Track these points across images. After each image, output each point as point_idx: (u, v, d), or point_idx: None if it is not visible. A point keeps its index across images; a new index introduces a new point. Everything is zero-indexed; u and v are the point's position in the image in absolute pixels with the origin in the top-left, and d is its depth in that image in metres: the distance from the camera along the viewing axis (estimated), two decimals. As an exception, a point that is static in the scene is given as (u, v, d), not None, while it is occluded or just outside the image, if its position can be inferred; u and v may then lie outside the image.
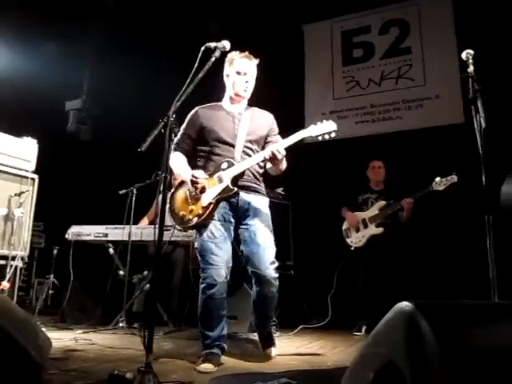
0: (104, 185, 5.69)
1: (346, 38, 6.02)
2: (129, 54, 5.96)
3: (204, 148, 2.82)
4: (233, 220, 2.78)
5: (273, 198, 5.18)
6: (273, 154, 2.59)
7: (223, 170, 2.71)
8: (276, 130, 2.97)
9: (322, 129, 2.67)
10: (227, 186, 2.66)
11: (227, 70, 2.87)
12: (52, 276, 5.54)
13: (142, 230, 4.31)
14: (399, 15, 5.70)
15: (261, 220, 2.78)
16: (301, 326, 4.36)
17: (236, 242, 2.88)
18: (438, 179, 4.03)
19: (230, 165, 2.70)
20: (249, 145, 2.80)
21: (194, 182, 2.65)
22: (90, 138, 6.43)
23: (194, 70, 2.16)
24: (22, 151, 4.25)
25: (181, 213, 2.74)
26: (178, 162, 2.77)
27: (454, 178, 4.01)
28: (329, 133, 2.66)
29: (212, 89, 2.91)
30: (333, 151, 5.52)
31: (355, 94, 5.84)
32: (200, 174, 2.69)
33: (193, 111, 2.89)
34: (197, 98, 2.35)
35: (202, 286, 2.70)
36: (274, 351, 2.91)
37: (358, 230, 4.42)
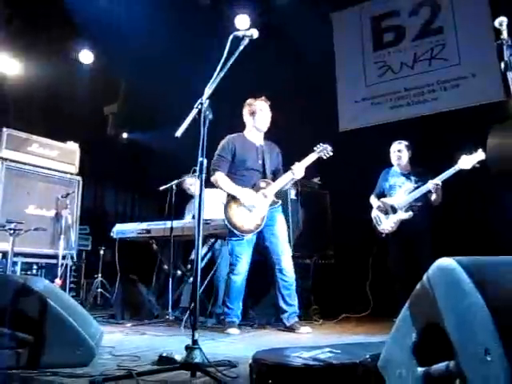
0: (144, 184, 5.85)
1: (375, 23, 5.95)
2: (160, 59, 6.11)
3: (236, 171, 3.61)
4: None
5: (310, 187, 5.21)
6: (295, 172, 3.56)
7: (263, 188, 3.56)
8: (281, 159, 3.86)
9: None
10: (273, 200, 3.55)
11: (250, 109, 3.71)
12: (100, 275, 5.76)
13: (184, 225, 4.40)
14: (429, -5, 5.58)
15: (278, 222, 3.63)
16: (343, 315, 4.36)
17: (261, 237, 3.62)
18: (463, 157, 3.77)
19: (268, 184, 3.57)
20: (271, 171, 3.69)
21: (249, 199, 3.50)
22: (128, 140, 6.62)
23: (223, 57, 2.20)
24: (66, 155, 4.44)
25: (240, 224, 3.48)
26: (227, 182, 3.56)
27: (480, 155, 3.73)
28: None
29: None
30: (369, 138, 5.47)
31: (388, 78, 5.76)
32: (252, 192, 3.53)
33: (226, 139, 3.70)
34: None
35: (230, 273, 3.59)
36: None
37: (387, 216, 4.29)
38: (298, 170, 3.55)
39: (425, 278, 1.20)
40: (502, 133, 3.68)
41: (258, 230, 3.50)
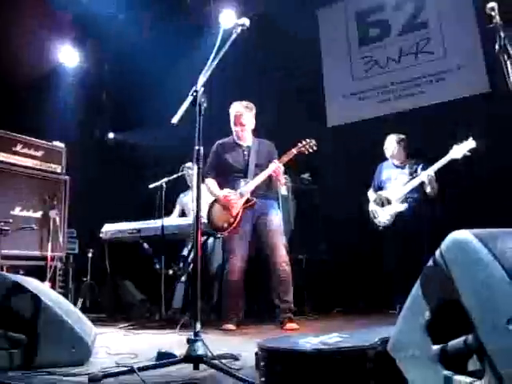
0: (134, 183, 5.77)
1: (360, 18, 5.97)
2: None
3: (225, 174, 3.72)
4: (252, 220, 3.62)
5: (300, 183, 5.20)
6: (274, 172, 3.54)
7: (242, 187, 3.60)
8: (276, 155, 3.74)
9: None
10: (248, 199, 3.57)
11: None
12: (89, 278, 5.63)
13: (175, 224, 4.32)
14: (413, -11, 5.61)
15: (272, 216, 3.64)
16: (337, 309, 4.39)
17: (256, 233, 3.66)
18: (454, 146, 3.79)
19: (246, 183, 3.60)
20: (257, 171, 3.65)
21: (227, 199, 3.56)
22: (115, 139, 6.52)
23: (216, 46, 2.17)
24: (52, 155, 4.34)
25: (218, 223, 3.59)
26: (214, 186, 3.71)
27: (471, 143, 3.74)
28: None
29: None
30: (357, 133, 5.48)
31: (375, 73, 5.78)
32: (230, 192, 3.59)
33: (214, 146, 3.80)
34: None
35: (225, 270, 3.65)
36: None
37: (383, 209, 4.28)
38: (273, 167, 3.53)
39: (437, 253, 1.18)
40: None
41: (231, 228, 3.53)
